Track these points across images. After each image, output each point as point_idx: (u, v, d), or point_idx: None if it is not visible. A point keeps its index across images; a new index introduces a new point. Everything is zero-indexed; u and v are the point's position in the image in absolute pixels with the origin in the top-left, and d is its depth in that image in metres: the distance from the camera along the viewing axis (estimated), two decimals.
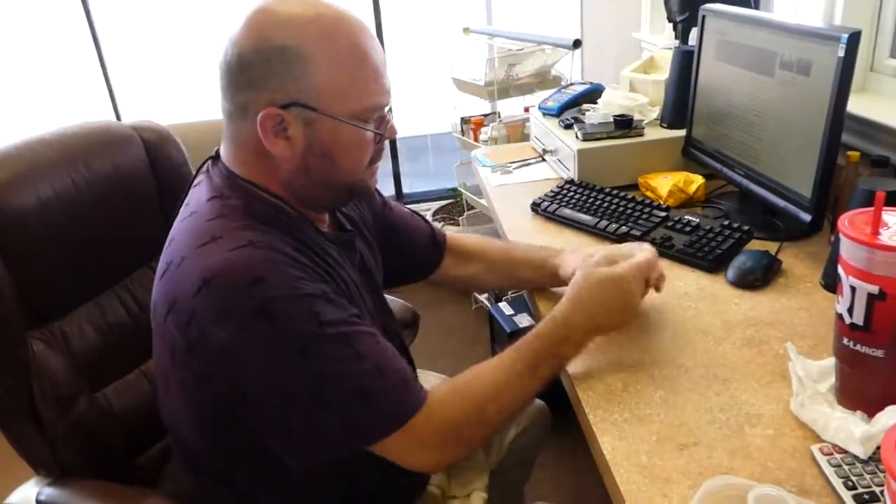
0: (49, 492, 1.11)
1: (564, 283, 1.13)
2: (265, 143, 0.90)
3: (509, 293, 2.65)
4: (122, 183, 1.28)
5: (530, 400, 1.00)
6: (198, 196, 0.96)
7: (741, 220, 1.40)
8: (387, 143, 1.02)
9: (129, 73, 2.97)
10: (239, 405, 0.88)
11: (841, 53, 1.15)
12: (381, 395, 0.87)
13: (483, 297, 2.93)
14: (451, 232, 1.38)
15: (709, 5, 1.56)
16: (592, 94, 1.94)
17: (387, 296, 1.53)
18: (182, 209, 0.97)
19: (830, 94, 1.18)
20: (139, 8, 2.94)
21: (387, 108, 0.96)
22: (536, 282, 1.30)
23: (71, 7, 2.77)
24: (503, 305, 2.45)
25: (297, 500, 1.05)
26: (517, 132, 2.69)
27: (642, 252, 1.13)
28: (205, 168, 1.00)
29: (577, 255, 1.23)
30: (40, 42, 2.90)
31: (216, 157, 0.99)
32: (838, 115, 1.19)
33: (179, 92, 3.02)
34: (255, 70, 0.87)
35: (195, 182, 1.00)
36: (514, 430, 1.41)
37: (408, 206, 1.37)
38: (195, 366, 0.88)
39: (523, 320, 2.31)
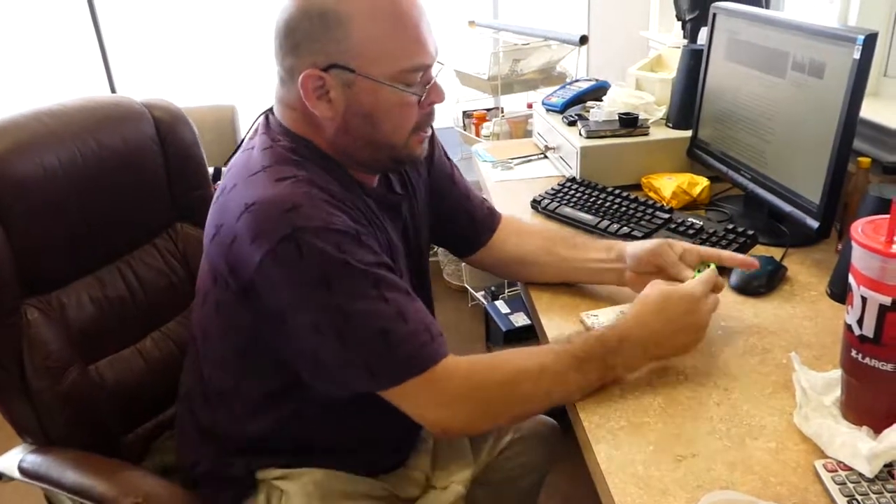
0: (31, 458, 1.12)
1: (631, 269, 1.14)
2: (308, 105, 0.94)
3: (506, 291, 2.62)
4: (129, 159, 1.27)
5: (570, 396, 0.96)
6: (254, 137, 1.01)
7: (746, 225, 1.36)
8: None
9: (130, 57, 2.93)
10: (269, 328, 0.91)
11: (856, 55, 1.11)
12: (404, 339, 0.89)
13: (479, 295, 2.89)
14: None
15: (720, 3, 1.53)
16: (598, 92, 1.90)
17: None
18: (241, 147, 1.02)
19: (844, 98, 1.15)
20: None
21: (434, 71, 0.96)
22: (602, 265, 1.20)
23: None
24: (499, 304, 2.42)
25: (288, 429, 1.05)
26: (520, 128, 2.65)
27: (709, 271, 1.07)
28: (261, 119, 1.04)
29: (648, 244, 1.16)
30: (39, 22, 2.86)
31: (271, 111, 1.03)
32: (851, 120, 1.15)
33: (183, 77, 2.98)
34: (299, 34, 0.91)
35: (252, 128, 1.05)
36: (511, 436, 1.37)
37: None
38: (234, 286, 0.92)
39: (519, 319, 2.28)
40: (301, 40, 0.91)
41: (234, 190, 0.94)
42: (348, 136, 0.96)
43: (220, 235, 0.93)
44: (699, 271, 1.08)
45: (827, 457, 0.82)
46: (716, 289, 1.04)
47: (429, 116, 1.00)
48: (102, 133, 1.24)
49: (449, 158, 1.27)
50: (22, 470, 1.12)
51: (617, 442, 0.87)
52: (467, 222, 1.26)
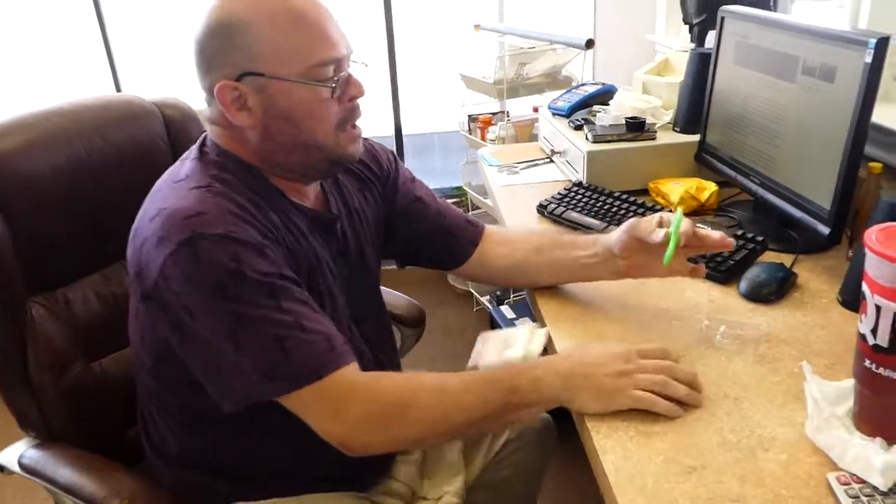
0: (31, 453, 1.14)
1: (622, 257, 1.12)
2: (229, 117, 0.96)
3: (512, 296, 2.60)
4: (138, 158, 1.28)
5: (473, 420, 0.95)
6: (188, 151, 1.05)
7: (755, 231, 1.34)
8: (361, 103, 1.02)
9: (142, 59, 2.93)
10: (175, 332, 0.91)
11: (868, 59, 1.10)
12: (300, 346, 0.89)
13: (485, 300, 2.88)
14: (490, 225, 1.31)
15: (729, 7, 1.51)
16: (604, 96, 1.89)
17: (394, 292, 1.50)
18: (180, 158, 1.05)
19: (855, 102, 1.13)
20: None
21: (347, 64, 0.97)
22: (591, 260, 1.17)
23: None
24: (505, 308, 2.41)
25: (235, 451, 1.07)
26: (526, 132, 2.63)
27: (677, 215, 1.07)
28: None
29: (621, 227, 1.15)
30: (45, 22, 2.86)
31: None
32: (863, 124, 1.14)
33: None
34: (208, 52, 0.94)
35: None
36: (506, 436, 1.36)
37: None
38: (141, 289, 0.93)
39: (525, 324, 2.26)
40: (211, 57, 0.94)
41: (155, 195, 0.98)
42: (273, 142, 0.98)
43: (135, 238, 0.96)
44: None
45: (840, 469, 0.80)
46: (692, 241, 1.06)
47: (352, 112, 1.00)
48: (111, 131, 1.26)
49: (415, 181, 1.27)
50: (21, 465, 1.14)
51: (626, 453, 0.86)
52: (445, 239, 1.25)
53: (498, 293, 2.73)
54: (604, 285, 1.24)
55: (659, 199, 1.57)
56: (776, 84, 1.33)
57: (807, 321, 1.12)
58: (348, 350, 0.94)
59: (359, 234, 1.15)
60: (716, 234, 1.08)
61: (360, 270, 1.14)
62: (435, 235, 1.25)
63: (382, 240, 1.22)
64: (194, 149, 1.03)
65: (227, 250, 0.88)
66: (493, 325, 2.44)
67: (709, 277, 1.25)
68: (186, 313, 0.89)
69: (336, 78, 0.96)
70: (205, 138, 1.04)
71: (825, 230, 1.21)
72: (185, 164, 1.01)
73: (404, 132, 3.31)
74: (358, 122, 1.04)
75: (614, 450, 0.86)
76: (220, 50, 0.93)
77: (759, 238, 1.30)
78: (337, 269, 1.08)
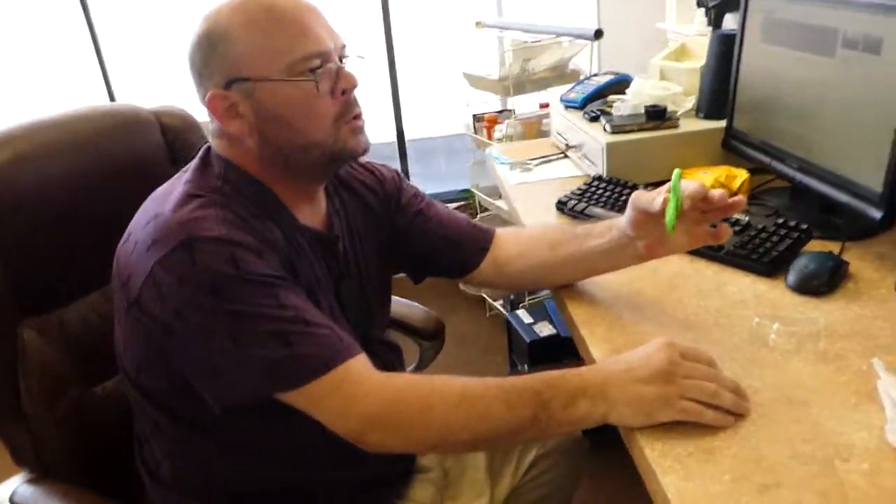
0: (23, 490, 1.07)
1: (638, 237, 1.03)
2: (223, 126, 0.94)
3: (527, 299, 2.51)
4: (136, 168, 1.21)
5: (497, 433, 0.87)
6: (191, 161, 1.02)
7: (796, 218, 1.25)
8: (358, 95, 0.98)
9: (132, 70, 2.85)
10: (164, 339, 0.88)
11: None
12: (306, 339, 0.85)
13: (498, 304, 2.79)
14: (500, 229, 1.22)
15: None
16: (619, 85, 1.79)
17: (409, 302, 1.41)
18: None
19: None
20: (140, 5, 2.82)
21: (336, 58, 0.94)
22: (608, 246, 1.08)
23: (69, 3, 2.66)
24: (521, 313, 2.31)
25: (231, 474, 1.01)
26: (533, 129, 2.55)
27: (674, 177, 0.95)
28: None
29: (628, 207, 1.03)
30: (35, 32, 2.79)
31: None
32: None
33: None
34: (197, 65, 0.93)
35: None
36: (535, 452, 1.27)
37: None
38: (127, 294, 0.90)
39: (544, 329, 2.17)
40: (200, 70, 0.93)
41: (152, 200, 0.95)
42: (271, 146, 0.95)
43: (127, 242, 0.93)
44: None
45: None
46: (702, 205, 0.95)
47: (347, 105, 0.96)
48: (106, 142, 1.20)
49: (417, 195, 1.20)
50: (12, 503, 1.06)
51: (687, 472, 0.76)
52: (451, 250, 1.18)
53: (511, 297, 2.63)
54: (636, 283, 1.15)
55: None
56: (812, 60, 1.24)
57: (865, 313, 1.02)
58: (356, 343, 0.89)
59: (360, 257, 1.10)
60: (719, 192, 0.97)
61: (363, 292, 1.10)
62: (439, 247, 1.18)
63: (388, 261, 1.17)
64: (198, 158, 0.99)
65: (224, 252, 0.85)
66: (510, 330, 2.34)
67: (752, 270, 1.16)
68: (177, 317, 0.85)
69: (321, 70, 0.92)
70: (208, 148, 1.00)
71: (877, 214, 1.12)
72: (187, 173, 0.97)
73: (406, 137, 3.23)
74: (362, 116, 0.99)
75: (674, 469, 0.77)
76: (206, 60, 0.92)
77: (804, 226, 1.20)
78: (339, 291, 1.04)
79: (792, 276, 1.11)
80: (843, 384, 0.87)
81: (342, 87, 0.94)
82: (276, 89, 0.91)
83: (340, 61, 0.95)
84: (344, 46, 0.96)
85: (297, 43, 0.91)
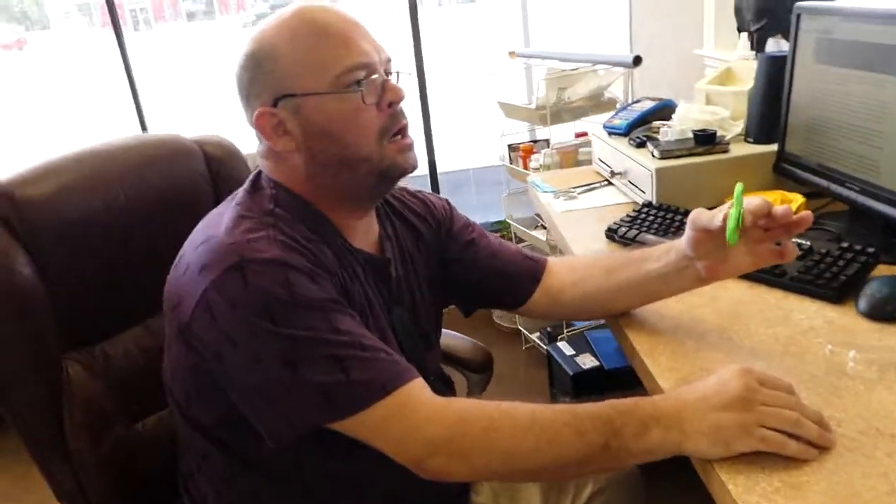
0: None
1: (698, 257, 0.99)
2: (271, 144, 0.94)
3: (565, 331, 2.46)
4: (179, 198, 1.21)
5: (565, 461, 0.82)
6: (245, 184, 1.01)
7: (860, 242, 1.20)
8: (408, 113, 0.98)
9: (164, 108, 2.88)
10: (214, 365, 0.86)
11: None
12: (362, 364, 0.83)
13: (535, 336, 2.74)
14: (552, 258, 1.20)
15: (804, 3, 1.39)
16: (664, 111, 1.76)
17: (457, 334, 1.38)
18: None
19: None
20: (173, 43, 2.85)
21: (381, 70, 0.93)
22: (666, 269, 1.04)
23: (105, 39, 2.70)
24: (562, 345, 2.26)
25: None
26: (570, 158, 2.52)
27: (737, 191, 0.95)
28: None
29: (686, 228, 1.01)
30: (71, 67, 2.84)
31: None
32: None
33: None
34: (245, 85, 0.94)
35: None
36: (591, 488, 1.22)
37: None
38: (178, 318, 0.88)
39: (587, 361, 2.11)
40: (248, 90, 0.93)
41: (204, 224, 0.95)
42: (318, 163, 0.94)
43: (178, 266, 0.92)
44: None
45: None
46: (757, 214, 0.92)
47: (393, 119, 0.94)
48: (149, 172, 1.18)
49: (469, 225, 1.18)
50: None
51: None
52: (501, 280, 1.15)
53: (549, 329, 2.58)
54: (696, 311, 1.11)
55: None
56: (872, 78, 1.20)
57: None
58: (413, 368, 0.87)
59: (413, 285, 1.09)
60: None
61: (416, 322, 1.08)
62: (491, 278, 1.15)
63: (440, 291, 1.14)
64: (249, 181, 0.99)
65: (277, 275, 0.83)
66: (551, 363, 2.29)
67: (818, 296, 1.11)
68: (229, 342, 0.83)
69: (366, 81, 0.91)
70: (259, 173, 1.00)
71: None
72: (238, 196, 0.97)
73: (438, 170, 3.22)
74: (410, 134, 0.98)
75: None
76: (253, 80, 0.92)
77: (871, 249, 1.16)
78: (391, 317, 1.02)
79: (863, 302, 1.06)
80: None
81: (388, 100, 0.93)
82: (323, 103, 0.91)
83: (386, 75, 0.94)
84: (389, 60, 0.95)
85: (340, 55, 0.90)
